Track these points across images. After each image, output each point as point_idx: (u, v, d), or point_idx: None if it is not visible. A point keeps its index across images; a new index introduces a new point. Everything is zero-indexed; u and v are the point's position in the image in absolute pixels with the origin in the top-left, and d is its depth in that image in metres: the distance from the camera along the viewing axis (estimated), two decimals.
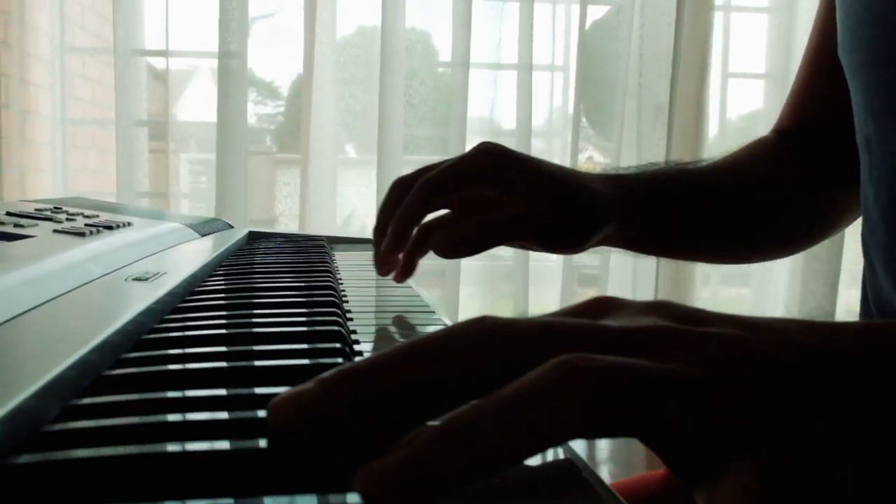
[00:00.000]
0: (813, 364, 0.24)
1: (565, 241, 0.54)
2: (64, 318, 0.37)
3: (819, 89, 0.67)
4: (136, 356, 0.33)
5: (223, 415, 0.25)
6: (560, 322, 0.24)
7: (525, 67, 1.79)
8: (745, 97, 2.07)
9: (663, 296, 1.79)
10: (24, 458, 0.21)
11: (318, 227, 1.78)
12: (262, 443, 0.23)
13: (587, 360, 0.21)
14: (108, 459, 0.21)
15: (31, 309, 0.37)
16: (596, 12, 1.90)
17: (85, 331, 0.33)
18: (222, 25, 1.71)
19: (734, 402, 0.22)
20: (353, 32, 1.93)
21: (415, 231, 0.55)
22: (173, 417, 0.25)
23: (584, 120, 1.96)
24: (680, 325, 0.25)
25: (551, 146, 1.97)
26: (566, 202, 0.53)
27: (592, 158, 2.12)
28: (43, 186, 1.82)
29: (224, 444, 0.22)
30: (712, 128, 1.92)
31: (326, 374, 0.23)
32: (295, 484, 0.21)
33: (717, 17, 1.87)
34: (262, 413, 0.25)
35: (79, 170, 1.91)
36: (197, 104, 2.01)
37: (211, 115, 1.79)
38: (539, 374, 0.21)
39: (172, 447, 0.22)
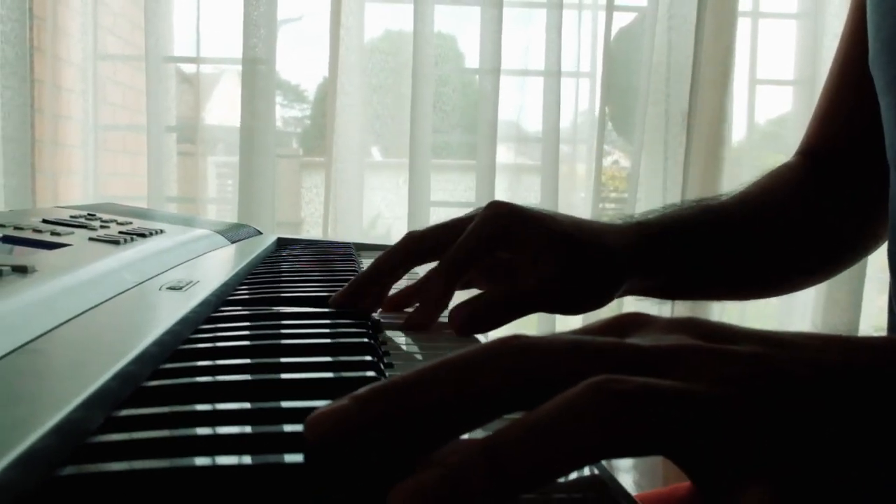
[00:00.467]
0: (836, 382, 0.24)
1: (587, 304, 0.52)
2: (103, 328, 0.38)
3: (847, 104, 0.66)
4: (173, 367, 0.34)
5: (260, 428, 0.26)
6: (590, 341, 0.25)
7: (552, 74, 1.80)
8: (772, 104, 2.06)
9: (689, 309, 1.79)
10: (70, 470, 0.22)
11: (344, 229, 1.80)
12: (297, 458, 0.23)
13: (618, 383, 0.22)
14: (154, 472, 0.21)
15: (71, 318, 0.38)
16: (622, 19, 1.90)
17: (124, 341, 0.34)
18: (249, 30, 1.73)
19: (756, 420, 0.23)
20: (379, 36, 1.95)
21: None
22: (210, 431, 0.25)
23: (609, 125, 1.96)
24: (705, 343, 0.25)
25: (577, 151, 1.97)
26: (583, 265, 0.51)
27: (618, 163, 2.12)
28: (74, 190, 1.85)
29: (260, 459, 0.23)
30: (738, 134, 1.91)
31: (361, 390, 0.24)
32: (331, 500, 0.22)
33: (744, 24, 1.86)
34: (293, 427, 0.25)
35: (109, 174, 1.94)
36: (225, 108, 2.03)
37: (238, 120, 1.81)
38: (571, 395, 0.22)
39: (212, 461, 0.23)
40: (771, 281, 0.67)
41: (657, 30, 1.84)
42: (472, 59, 1.90)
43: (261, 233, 0.99)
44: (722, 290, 0.67)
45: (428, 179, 1.80)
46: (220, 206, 2.02)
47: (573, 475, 0.25)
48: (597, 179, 1.87)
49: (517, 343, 0.24)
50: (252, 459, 0.22)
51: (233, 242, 0.83)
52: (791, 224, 0.65)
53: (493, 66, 1.78)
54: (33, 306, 0.36)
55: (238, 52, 1.78)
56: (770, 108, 2.07)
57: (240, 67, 1.76)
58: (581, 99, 1.94)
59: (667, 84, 1.85)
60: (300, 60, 2.06)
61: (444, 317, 0.52)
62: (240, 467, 0.22)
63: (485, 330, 0.49)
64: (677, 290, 0.61)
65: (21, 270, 0.42)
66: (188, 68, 1.93)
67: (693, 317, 0.28)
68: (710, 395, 0.23)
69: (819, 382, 0.24)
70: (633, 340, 0.26)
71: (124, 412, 0.28)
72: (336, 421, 0.23)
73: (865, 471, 0.23)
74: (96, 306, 0.41)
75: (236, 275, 0.61)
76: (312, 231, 1.99)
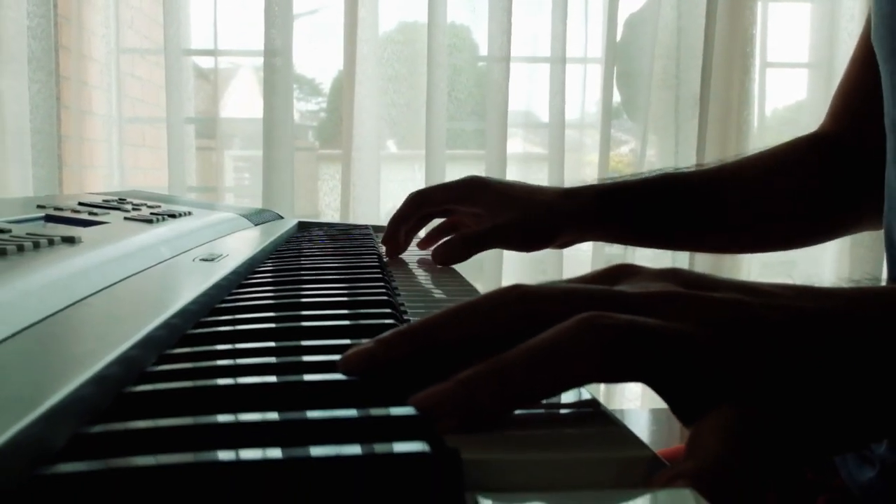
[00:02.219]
0: (807, 326, 0.27)
1: (530, 243, 0.70)
2: (148, 289, 0.42)
3: (864, 83, 0.68)
4: (213, 320, 0.38)
5: (285, 358, 0.30)
6: (582, 288, 0.29)
7: (558, 61, 1.83)
8: (787, 87, 2.08)
9: (712, 265, 1.84)
10: (143, 387, 0.26)
11: (362, 219, 1.84)
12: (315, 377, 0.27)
13: (608, 318, 0.25)
14: (206, 389, 0.26)
15: (119, 281, 0.42)
16: (631, 6, 1.93)
17: (167, 300, 0.38)
18: (270, 23, 1.77)
19: (729, 356, 0.26)
20: (393, 28, 1.98)
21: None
22: (246, 361, 0.30)
23: (624, 115, 1.99)
24: (688, 290, 0.29)
25: (587, 137, 2.00)
26: (526, 215, 0.69)
27: (636, 151, 2.15)
28: (98, 182, 1.91)
29: (284, 378, 0.27)
30: (752, 118, 1.93)
31: (386, 334, 0.28)
32: None
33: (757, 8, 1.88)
34: (312, 357, 0.29)
35: (130, 167, 1.99)
36: (240, 102, 2.07)
37: (253, 112, 1.86)
38: (566, 325, 0.25)
39: (251, 381, 0.27)
40: (739, 238, 0.76)
41: (667, 15, 1.86)
42: (484, 50, 1.93)
43: (282, 217, 1.03)
44: (696, 241, 0.80)
45: (443, 169, 1.84)
46: (238, 198, 2.07)
47: (569, 396, 0.29)
48: (602, 166, 1.90)
49: (518, 290, 0.28)
50: (277, 378, 0.26)
51: (256, 225, 0.87)
52: (775, 189, 0.70)
53: (503, 55, 1.81)
54: (85, 270, 0.41)
55: (252, 46, 1.82)
56: (784, 92, 2.08)
57: (254, 62, 1.80)
58: (592, 86, 1.96)
59: (677, 69, 1.87)
60: (315, 54, 2.10)
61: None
62: (271, 384, 0.26)
63: (457, 261, 0.68)
64: (636, 237, 0.77)
65: (69, 241, 0.46)
66: (204, 63, 1.98)
67: (678, 268, 0.31)
68: (690, 333, 0.26)
69: (790, 326, 0.27)
70: (621, 287, 0.29)
71: (174, 351, 0.32)
72: (367, 359, 0.27)
73: (824, 401, 0.26)
74: (139, 272, 0.45)
75: (262, 250, 0.65)
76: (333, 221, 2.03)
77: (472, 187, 0.71)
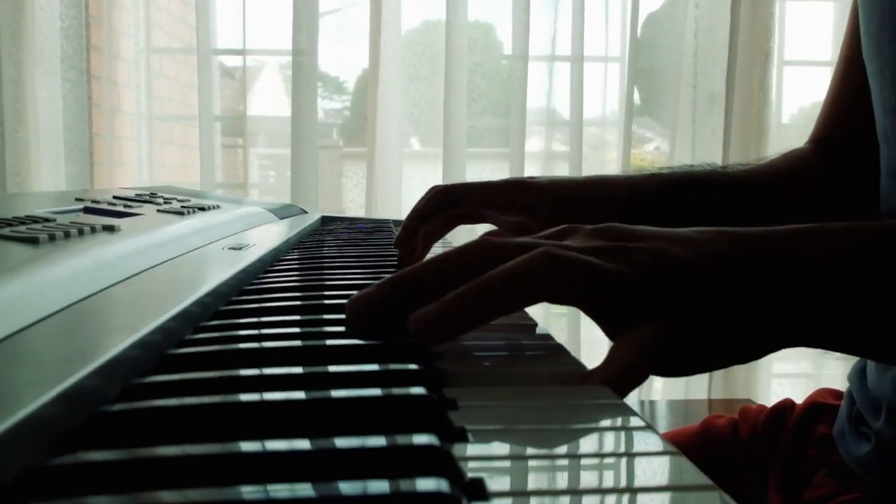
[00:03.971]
0: (720, 264, 0.35)
1: None
2: (183, 272, 0.46)
3: (851, 94, 0.69)
4: (241, 299, 0.42)
5: (307, 328, 0.33)
6: (537, 241, 0.36)
7: (578, 59, 1.86)
8: (808, 86, 2.08)
9: None
10: (177, 349, 0.30)
11: (385, 216, 1.88)
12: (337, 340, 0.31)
13: (560, 253, 0.33)
14: (238, 352, 0.29)
15: (156, 265, 0.46)
16: (650, 4, 1.95)
17: (200, 282, 0.41)
18: (295, 24, 1.82)
19: (646, 288, 0.34)
20: (417, 27, 2.02)
21: None
22: (274, 331, 0.33)
23: (644, 113, 2.01)
24: (620, 242, 0.36)
25: (610, 135, 2.02)
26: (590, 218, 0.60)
27: (659, 148, 2.17)
28: (128, 179, 1.96)
29: (306, 341, 0.31)
30: (772, 116, 1.94)
31: (381, 281, 0.35)
32: None
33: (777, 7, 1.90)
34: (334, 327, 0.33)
35: (158, 164, 2.04)
36: (265, 100, 2.12)
37: (278, 110, 1.90)
38: (528, 255, 0.33)
39: (276, 344, 0.30)
40: None
41: (687, 13, 1.88)
42: (506, 48, 1.96)
43: (306, 212, 1.07)
44: None
45: (463, 168, 1.87)
46: (263, 195, 2.11)
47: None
48: (625, 163, 1.92)
49: (486, 242, 0.36)
50: (301, 342, 0.30)
51: (281, 219, 0.91)
52: (786, 202, 0.70)
53: (522, 53, 1.84)
54: (126, 254, 0.44)
55: (279, 45, 1.86)
56: (807, 90, 2.09)
57: (280, 60, 1.84)
58: (613, 84, 1.99)
59: (696, 66, 1.89)
60: (340, 52, 2.13)
61: None
62: (294, 347, 0.30)
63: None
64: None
65: (109, 229, 0.50)
66: (229, 62, 2.03)
67: (614, 224, 0.38)
68: (620, 271, 0.34)
69: (704, 265, 0.35)
70: (567, 241, 0.37)
71: (208, 323, 0.36)
72: (369, 301, 0.34)
73: (721, 322, 0.34)
74: (174, 258, 0.49)
75: (286, 241, 0.69)
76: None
77: (520, 190, 0.60)
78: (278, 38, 1.89)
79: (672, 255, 0.35)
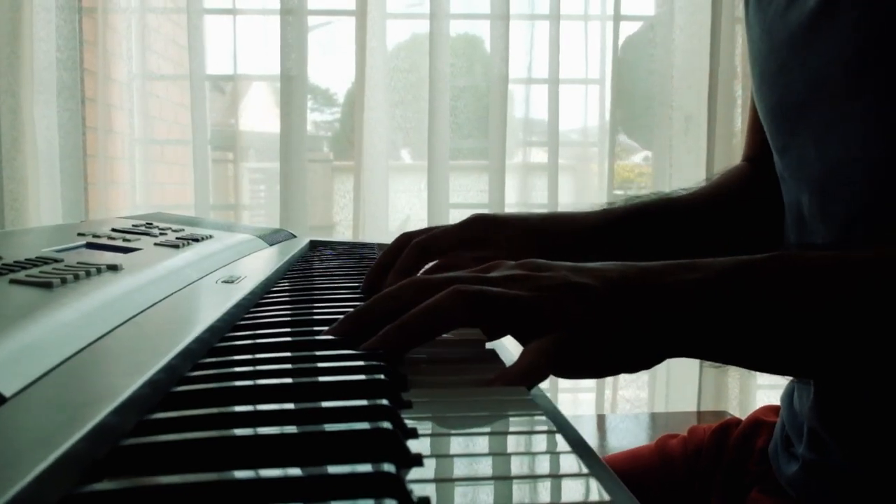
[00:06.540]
0: (613, 287, 0.44)
1: None
2: (182, 309, 0.50)
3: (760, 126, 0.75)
4: (236, 335, 0.47)
5: (299, 365, 0.38)
6: (458, 276, 0.46)
7: (554, 81, 1.93)
8: None
9: None
10: (181, 388, 0.35)
11: (374, 231, 1.93)
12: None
13: (468, 287, 0.43)
14: (236, 381, 0.34)
15: (157, 302, 0.50)
16: (629, 28, 2.01)
17: (198, 319, 0.46)
18: (286, 50, 1.87)
19: (544, 307, 0.43)
20: (406, 39, 2.08)
21: None
22: (266, 367, 0.38)
23: (621, 133, 2.07)
24: (532, 272, 0.45)
25: (591, 154, 2.08)
26: (548, 247, 0.64)
27: (640, 166, 2.23)
28: (121, 199, 2.01)
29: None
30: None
31: (345, 316, 0.45)
32: None
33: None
34: (325, 364, 0.38)
35: (150, 183, 2.09)
36: (256, 116, 2.16)
37: (268, 125, 1.95)
38: (443, 294, 0.43)
39: (270, 382, 0.35)
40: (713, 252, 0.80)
41: (665, 37, 1.94)
42: (488, 69, 2.02)
43: (295, 236, 1.11)
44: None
45: (447, 183, 1.93)
46: (254, 210, 2.16)
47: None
48: (609, 182, 1.98)
49: (418, 280, 0.47)
50: (292, 380, 0.35)
51: (271, 245, 0.96)
52: (728, 216, 0.75)
53: (502, 75, 1.90)
54: (129, 293, 0.49)
55: (270, 62, 1.92)
56: None
57: (272, 74, 1.89)
58: (592, 106, 2.05)
59: (674, 88, 1.96)
60: (329, 64, 2.17)
61: None
62: (287, 384, 0.35)
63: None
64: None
65: (113, 269, 0.55)
66: (221, 78, 2.07)
67: (531, 259, 0.47)
68: (522, 296, 0.43)
69: (598, 289, 0.43)
70: (491, 273, 0.46)
71: (206, 360, 0.40)
72: (336, 334, 0.45)
73: (615, 340, 0.43)
74: (174, 293, 0.54)
75: (276, 271, 0.73)
76: (346, 234, 2.12)
77: (485, 227, 0.65)
78: (268, 59, 1.94)
79: (571, 281, 0.44)
